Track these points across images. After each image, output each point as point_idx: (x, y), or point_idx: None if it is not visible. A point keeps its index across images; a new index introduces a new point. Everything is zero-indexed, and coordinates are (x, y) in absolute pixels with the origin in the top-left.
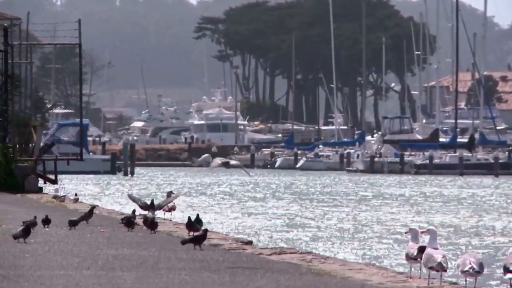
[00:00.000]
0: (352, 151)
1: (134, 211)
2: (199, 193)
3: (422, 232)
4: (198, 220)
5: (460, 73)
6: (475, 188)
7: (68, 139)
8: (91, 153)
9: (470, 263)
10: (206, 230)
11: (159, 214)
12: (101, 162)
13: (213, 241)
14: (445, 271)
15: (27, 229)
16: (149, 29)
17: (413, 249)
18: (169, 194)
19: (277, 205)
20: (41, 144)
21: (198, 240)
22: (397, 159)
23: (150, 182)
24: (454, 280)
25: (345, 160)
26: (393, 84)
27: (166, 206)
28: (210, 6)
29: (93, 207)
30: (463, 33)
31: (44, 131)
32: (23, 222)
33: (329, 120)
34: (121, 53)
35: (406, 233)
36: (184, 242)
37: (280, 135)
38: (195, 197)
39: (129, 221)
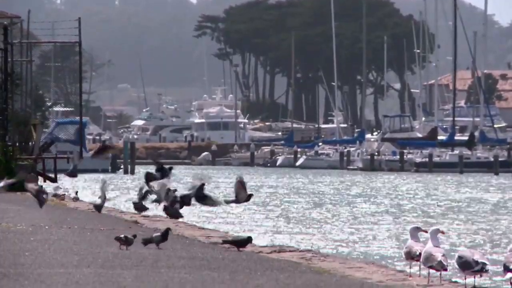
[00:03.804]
0: (352, 149)
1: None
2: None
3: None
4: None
5: (460, 71)
6: (475, 187)
7: (67, 138)
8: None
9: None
10: (250, 238)
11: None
12: (101, 161)
13: (213, 239)
14: (445, 270)
15: (165, 234)
16: (149, 28)
17: (413, 247)
18: (170, 169)
19: (277, 204)
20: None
21: (241, 244)
22: (397, 157)
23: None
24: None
25: (345, 158)
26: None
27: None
28: (210, 5)
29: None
30: (462, 32)
31: (43, 129)
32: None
33: (329, 118)
34: (121, 52)
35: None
36: (225, 241)
37: (280, 133)
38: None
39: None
